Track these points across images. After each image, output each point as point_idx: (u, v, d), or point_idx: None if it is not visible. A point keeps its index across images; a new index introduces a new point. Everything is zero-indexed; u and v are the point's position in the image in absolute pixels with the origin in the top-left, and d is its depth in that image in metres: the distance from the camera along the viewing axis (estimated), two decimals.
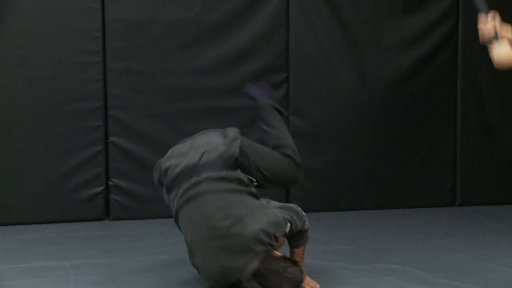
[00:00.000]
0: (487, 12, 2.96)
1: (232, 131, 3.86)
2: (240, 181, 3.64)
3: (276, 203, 3.80)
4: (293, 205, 3.81)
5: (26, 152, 5.76)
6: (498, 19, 2.95)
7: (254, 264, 3.40)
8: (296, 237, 3.77)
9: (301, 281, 3.55)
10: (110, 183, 5.90)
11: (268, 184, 3.90)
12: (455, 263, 4.56)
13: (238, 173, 3.67)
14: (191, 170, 3.61)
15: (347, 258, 4.72)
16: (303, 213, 3.77)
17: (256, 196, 3.69)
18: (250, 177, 3.70)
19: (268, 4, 6.09)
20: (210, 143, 3.72)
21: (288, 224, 3.58)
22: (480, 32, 2.98)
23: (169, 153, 3.85)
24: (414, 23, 6.41)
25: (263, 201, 3.75)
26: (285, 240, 3.83)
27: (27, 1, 5.66)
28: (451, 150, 6.60)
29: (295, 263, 3.60)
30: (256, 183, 3.75)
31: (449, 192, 6.63)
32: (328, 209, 6.30)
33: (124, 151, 5.90)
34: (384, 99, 6.36)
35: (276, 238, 3.51)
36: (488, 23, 2.93)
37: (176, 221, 3.70)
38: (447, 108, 6.53)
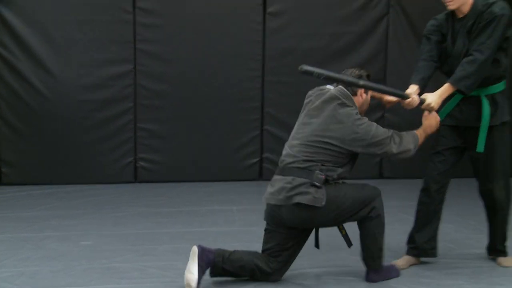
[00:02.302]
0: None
1: None
2: None
3: None
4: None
5: (210, 134, 6.50)
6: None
7: None
8: None
9: None
10: (263, 156, 6.61)
11: None
12: None
13: None
14: None
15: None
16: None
17: None
18: None
19: (372, 36, 6.61)
20: None
21: None
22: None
23: None
24: None
25: None
26: None
27: (213, 34, 6.38)
28: None
29: None
30: None
31: None
32: None
33: (273, 135, 6.56)
34: None
35: None
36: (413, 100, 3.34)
37: None
38: None
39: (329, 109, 3.22)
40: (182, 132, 6.50)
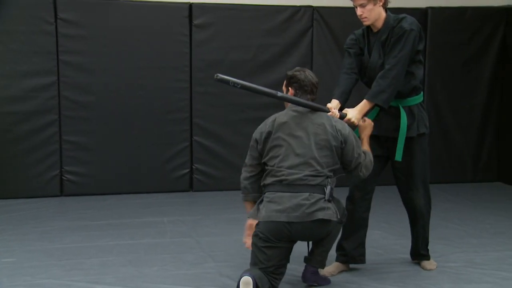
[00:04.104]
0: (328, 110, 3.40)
1: None
2: None
3: None
4: None
5: (139, 146, 6.34)
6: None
7: None
8: None
9: None
10: (194, 167, 6.48)
11: None
12: None
13: None
14: None
15: None
16: None
17: None
18: None
19: (298, 49, 6.63)
20: None
21: None
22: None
23: None
24: None
25: None
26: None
27: (139, 46, 6.20)
28: None
29: None
30: None
31: None
32: None
33: (202, 146, 6.47)
34: None
35: None
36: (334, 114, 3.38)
37: None
38: None
39: (306, 121, 3.29)
40: (109, 144, 6.28)
